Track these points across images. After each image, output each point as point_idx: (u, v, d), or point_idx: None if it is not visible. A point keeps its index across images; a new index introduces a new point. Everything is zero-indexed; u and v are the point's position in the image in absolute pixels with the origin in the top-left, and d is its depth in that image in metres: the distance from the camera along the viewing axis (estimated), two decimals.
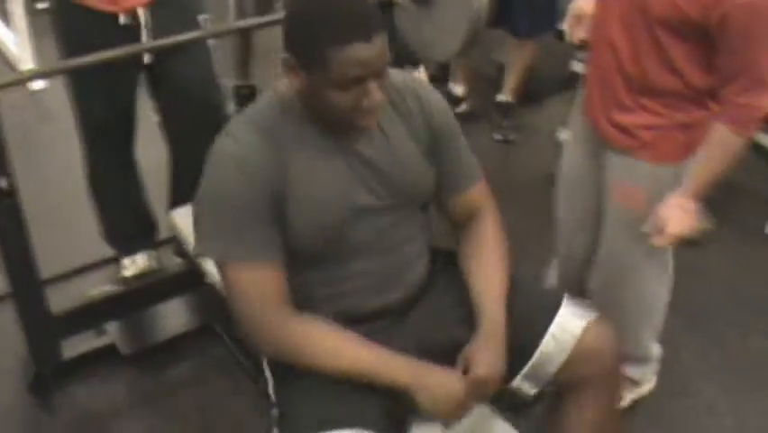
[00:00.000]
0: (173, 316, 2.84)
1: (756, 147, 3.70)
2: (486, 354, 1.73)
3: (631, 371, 2.58)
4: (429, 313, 1.87)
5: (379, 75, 1.60)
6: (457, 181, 1.90)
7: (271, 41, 4.16)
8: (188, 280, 2.65)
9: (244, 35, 3.93)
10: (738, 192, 3.64)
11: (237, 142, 1.66)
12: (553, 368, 1.81)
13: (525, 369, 1.81)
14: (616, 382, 1.96)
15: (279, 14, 3.28)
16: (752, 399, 2.71)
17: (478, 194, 1.93)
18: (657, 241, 2.10)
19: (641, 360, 2.59)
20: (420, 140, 1.81)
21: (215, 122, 2.84)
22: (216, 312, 2.67)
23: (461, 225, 1.94)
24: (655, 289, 2.46)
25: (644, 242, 2.16)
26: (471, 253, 1.90)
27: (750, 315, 3.09)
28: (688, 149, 2.11)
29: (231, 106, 3.78)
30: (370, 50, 1.55)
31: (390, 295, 1.83)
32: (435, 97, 1.87)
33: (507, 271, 1.86)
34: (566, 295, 1.90)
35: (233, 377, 2.66)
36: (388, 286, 1.82)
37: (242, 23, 3.18)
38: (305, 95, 1.66)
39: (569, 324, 1.83)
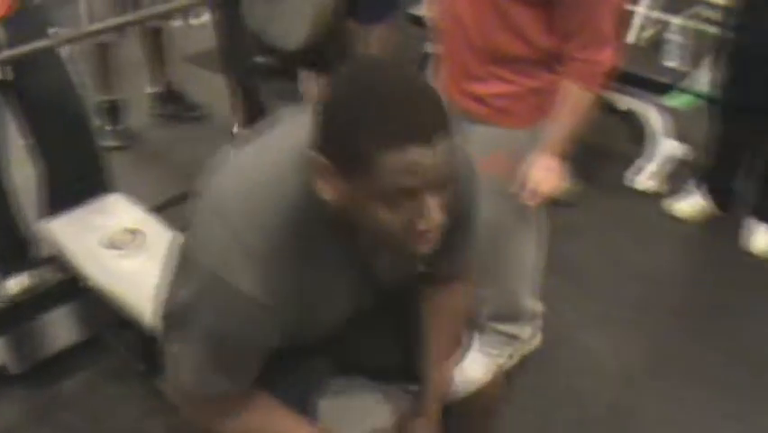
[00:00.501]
0: (61, 329, 2.79)
1: (609, 106, 3.90)
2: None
3: (515, 329, 2.69)
4: (369, 333, 1.72)
5: (438, 189, 1.23)
6: (451, 264, 1.67)
7: (131, 54, 4.17)
8: (71, 290, 2.62)
9: (101, 48, 3.89)
10: (596, 151, 3.83)
11: (255, 282, 1.28)
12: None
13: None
14: (492, 415, 2.00)
15: (125, 18, 3.29)
16: (630, 342, 2.88)
17: (464, 272, 1.75)
18: (530, 202, 2.23)
19: (523, 318, 2.70)
20: None
21: (81, 131, 2.88)
22: (104, 320, 2.65)
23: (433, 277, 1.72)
24: (528, 248, 2.57)
25: (513, 205, 2.28)
26: (437, 323, 1.73)
27: (621, 264, 3.28)
28: (541, 112, 2.21)
29: (96, 121, 3.73)
30: (430, 156, 1.18)
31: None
32: (472, 181, 1.56)
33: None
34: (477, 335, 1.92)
35: (126, 383, 2.64)
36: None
37: (92, 28, 3.17)
38: (340, 207, 1.26)
39: (472, 372, 1.82)
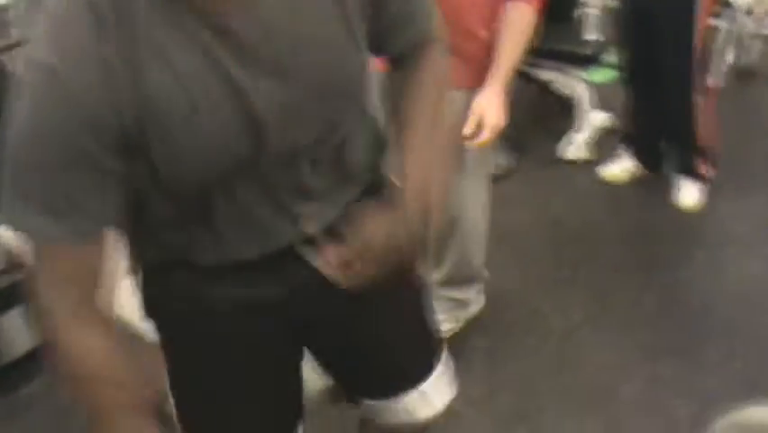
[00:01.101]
0: (17, 334, 2.82)
1: (540, 85, 4.05)
2: (384, 225, 1.27)
3: (462, 293, 2.79)
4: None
5: None
6: (399, 33, 1.34)
7: None
8: (23, 292, 2.64)
9: None
10: (527, 126, 3.96)
11: (63, 50, 1.02)
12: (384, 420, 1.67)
13: (372, 403, 1.65)
14: None
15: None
16: (570, 299, 3.01)
17: (426, 38, 1.39)
18: (481, 138, 2.23)
19: (473, 280, 2.80)
20: None
21: None
22: None
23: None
24: (481, 212, 2.66)
25: (470, 172, 2.37)
26: (414, 94, 1.38)
27: (558, 227, 3.42)
28: (481, 74, 2.26)
29: None
30: None
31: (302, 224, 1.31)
32: None
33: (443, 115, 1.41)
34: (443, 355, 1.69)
35: None
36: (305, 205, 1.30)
37: None
38: None
39: (421, 405, 1.64)
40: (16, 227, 1.12)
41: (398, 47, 1.36)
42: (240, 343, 1.41)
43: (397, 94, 1.39)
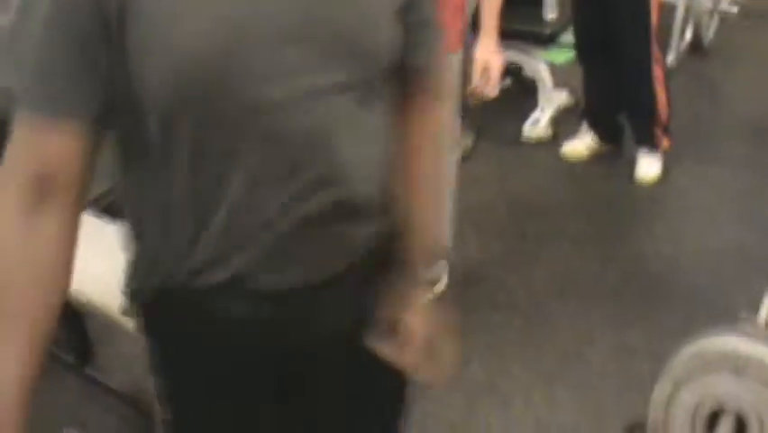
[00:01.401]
0: None
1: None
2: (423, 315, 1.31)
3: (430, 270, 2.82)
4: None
5: None
6: (415, 49, 1.18)
7: None
8: None
9: None
10: (491, 107, 3.99)
11: None
12: None
13: None
14: None
15: None
16: (534, 272, 3.07)
17: (435, 70, 1.26)
18: (488, 89, 2.46)
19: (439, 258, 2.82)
20: None
21: None
22: None
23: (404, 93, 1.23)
24: (450, 183, 2.69)
25: (450, 150, 2.45)
26: (413, 148, 1.26)
27: (521, 204, 3.47)
28: (460, 36, 2.37)
29: None
30: None
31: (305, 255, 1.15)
32: None
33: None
34: None
35: (57, 375, 2.66)
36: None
37: None
38: None
39: None
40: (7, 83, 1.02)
41: (407, 73, 1.20)
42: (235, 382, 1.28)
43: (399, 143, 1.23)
